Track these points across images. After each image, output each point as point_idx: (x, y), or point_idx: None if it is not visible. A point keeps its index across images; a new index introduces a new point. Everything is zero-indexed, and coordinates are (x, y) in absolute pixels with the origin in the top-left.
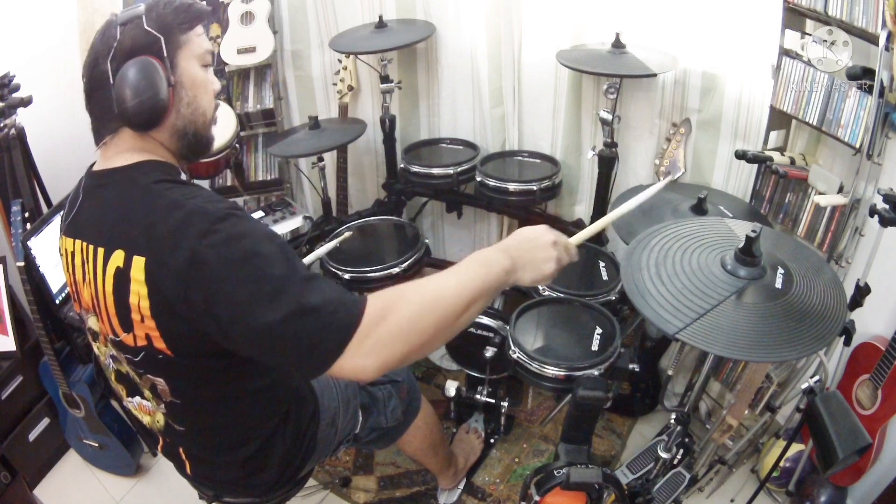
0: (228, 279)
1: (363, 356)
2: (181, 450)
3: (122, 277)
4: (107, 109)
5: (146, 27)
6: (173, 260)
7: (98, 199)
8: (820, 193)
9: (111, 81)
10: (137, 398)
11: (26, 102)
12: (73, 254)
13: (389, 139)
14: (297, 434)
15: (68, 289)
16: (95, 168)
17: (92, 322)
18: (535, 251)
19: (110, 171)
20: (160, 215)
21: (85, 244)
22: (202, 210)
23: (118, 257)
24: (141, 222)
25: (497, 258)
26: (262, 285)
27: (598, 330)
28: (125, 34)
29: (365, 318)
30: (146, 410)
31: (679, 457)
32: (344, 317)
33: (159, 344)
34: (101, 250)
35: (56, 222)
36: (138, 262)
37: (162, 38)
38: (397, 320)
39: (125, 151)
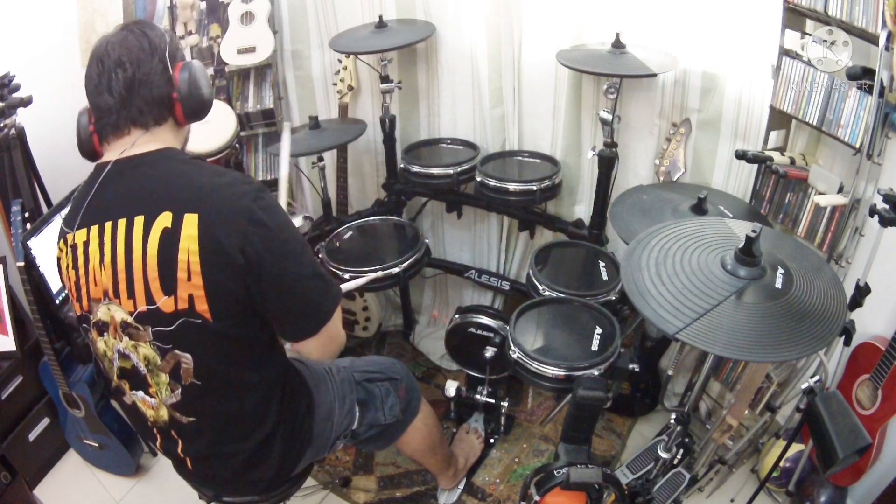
0: (278, 239)
1: (336, 327)
2: (179, 448)
3: (171, 236)
4: (162, 97)
5: (177, 41)
6: (233, 215)
7: (130, 178)
8: (820, 193)
9: (171, 73)
10: (141, 392)
11: (26, 102)
12: (86, 243)
13: (389, 139)
14: (293, 428)
15: (67, 291)
16: (117, 157)
17: (102, 312)
18: None
19: (141, 155)
20: (209, 179)
21: (110, 224)
22: (246, 180)
23: (165, 219)
24: (190, 186)
25: None
26: (296, 246)
27: (598, 330)
28: (171, 39)
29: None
30: (149, 405)
31: (679, 457)
32: (335, 289)
33: (201, 306)
34: (139, 219)
35: (56, 223)
36: (190, 219)
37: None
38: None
39: (154, 141)
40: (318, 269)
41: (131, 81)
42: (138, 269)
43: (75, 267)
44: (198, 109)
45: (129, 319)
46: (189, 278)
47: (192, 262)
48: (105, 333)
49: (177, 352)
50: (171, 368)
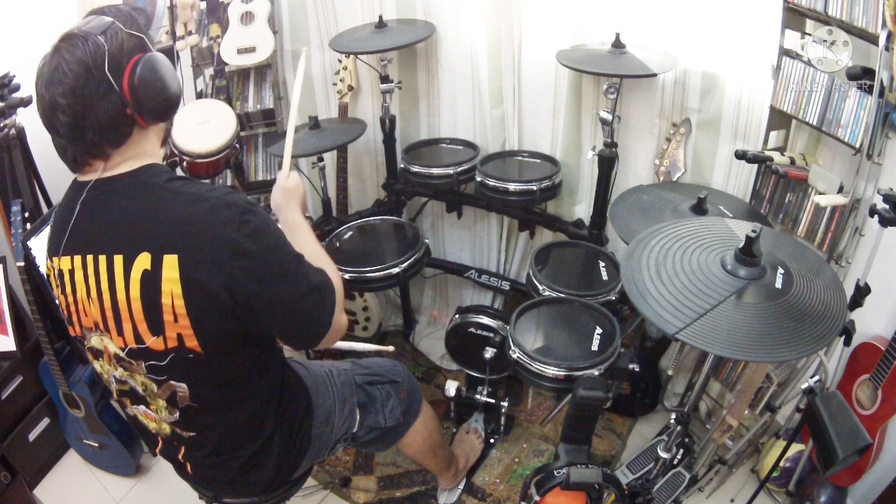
0: (266, 266)
1: (337, 324)
2: (180, 454)
3: (152, 279)
4: (114, 120)
5: (127, 30)
6: (214, 251)
7: (106, 207)
8: (820, 193)
9: (117, 88)
10: (142, 407)
11: (26, 102)
12: (72, 272)
13: (389, 139)
14: (291, 431)
15: (63, 313)
16: (93, 178)
17: (95, 341)
18: (297, 193)
19: (116, 178)
20: (188, 210)
21: (91, 257)
22: (229, 202)
23: (144, 260)
24: (168, 220)
25: (301, 220)
26: (287, 266)
27: (598, 330)
28: (111, 41)
29: (337, 297)
30: (151, 418)
31: (679, 457)
32: (330, 296)
33: (191, 343)
34: (118, 258)
35: None
36: (170, 261)
37: (144, 37)
38: (339, 294)
39: (128, 160)
40: (313, 282)
41: (73, 122)
42: (124, 310)
43: (64, 293)
44: (162, 110)
45: (122, 354)
46: (176, 320)
47: (176, 305)
48: (100, 359)
49: (172, 382)
50: (167, 396)
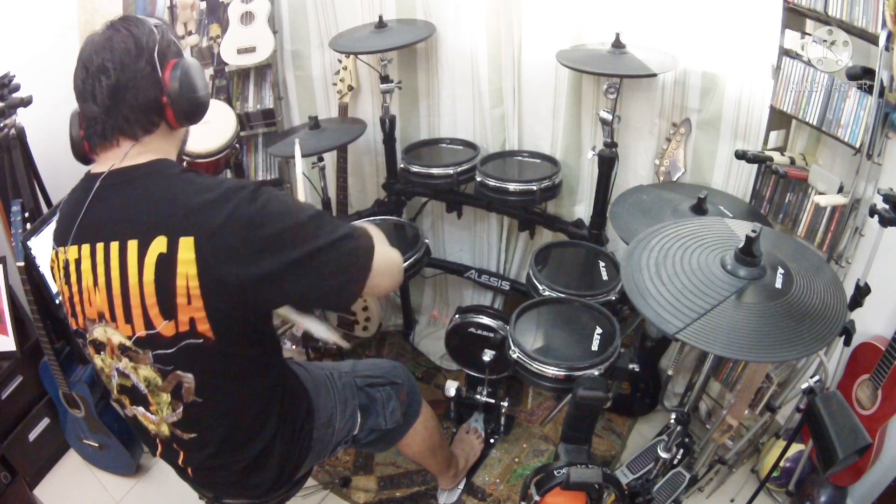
0: (284, 231)
1: (382, 262)
2: (180, 459)
3: (167, 262)
4: (149, 102)
5: (169, 35)
6: (232, 234)
7: (120, 196)
8: (820, 193)
9: (160, 74)
10: (142, 408)
11: (26, 102)
12: (78, 261)
13: (389, 139)
14: (293, 433)
15: (65, 305)
16: (107, 170)
17: (98, 332)
18: None
19: (131, 168)
20: (204, 197)
21: (101, 245)
22: (240, 185)
23: (160, 244)
24: (185, 206)
25: None
26: (304, 226)
27: (598, 330)
28: (162, 34)
29: (376, 241)
30: (150, 420)
31: (679, 457)
32: (364, 241)
33: (202, 326)
34: (132, 243)
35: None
36: (186, 242)
37: (181, 49)
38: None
39: (146, 152)
40: (338, 232)
41: (115, 88)
42: (135, 296)
43: (68, 283)
44: (191, 112)
45: (128, 343)
46: (189, 302)
47: (191, 286)
48: (102, 352)
49: (178, 372)
50: (172, 388)
